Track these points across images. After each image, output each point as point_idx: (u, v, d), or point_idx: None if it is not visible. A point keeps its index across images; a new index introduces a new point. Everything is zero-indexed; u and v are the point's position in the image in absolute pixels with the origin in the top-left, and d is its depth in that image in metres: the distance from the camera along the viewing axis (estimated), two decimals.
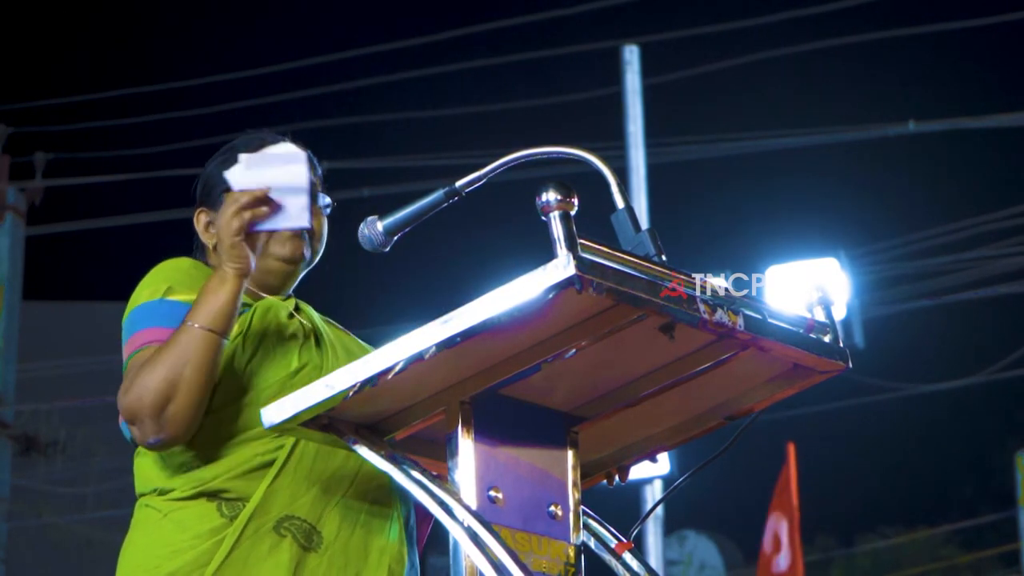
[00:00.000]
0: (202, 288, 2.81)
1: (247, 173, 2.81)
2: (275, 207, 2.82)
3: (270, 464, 2.81)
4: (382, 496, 2.87)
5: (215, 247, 2.99)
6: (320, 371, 2.82)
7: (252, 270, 2.82)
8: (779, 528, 12.05)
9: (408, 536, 2.92)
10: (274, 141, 3.01)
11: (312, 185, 2.96)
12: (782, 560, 11.99)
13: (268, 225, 2.84)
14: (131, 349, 2.84)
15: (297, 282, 3.07)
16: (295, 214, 2.83)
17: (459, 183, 2.83)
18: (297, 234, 2.98)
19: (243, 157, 2.83)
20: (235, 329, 2.84)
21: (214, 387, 2.81)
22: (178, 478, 2.83)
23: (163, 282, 2.91)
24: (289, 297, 3.02)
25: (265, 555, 2.76)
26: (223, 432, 2.83)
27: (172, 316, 2.83)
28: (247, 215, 2.79)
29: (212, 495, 2.81)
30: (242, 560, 2.75)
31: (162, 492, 2.85)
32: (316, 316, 3.02)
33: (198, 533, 2.78)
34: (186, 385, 2.74)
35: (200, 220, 3.04)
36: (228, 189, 2.91)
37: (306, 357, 2.87)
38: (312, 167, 3.04)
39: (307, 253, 3.01)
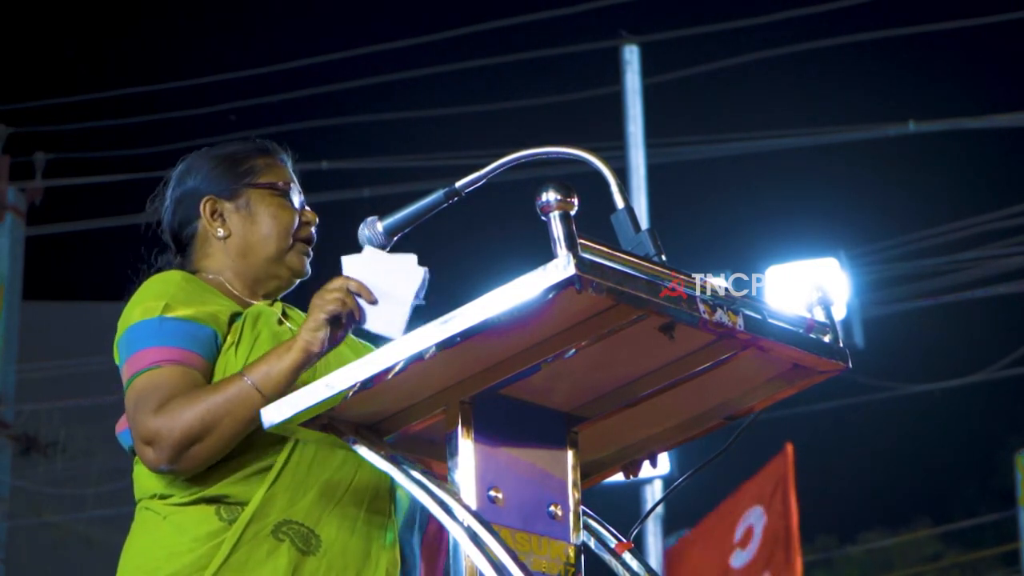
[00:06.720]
0: (273, 348, 2.77)
1: (363, 263, 2.70)
2: (370, 306, 2.71)
3: (268, 469, 2.81)
4: (379, 502, 2.88)
5: (225, 237, 3.00)
6: (312, 375, 2.78)
7: (322, 353, 2.73)
8: (755, 522, 11.94)
9: (402, 542, 2.93)
10: (263, 148, 3.09)
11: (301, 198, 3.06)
12: (747, 554, 11.85)
13: (360, 323, 2.72)
14: (136, 367, 2.80)
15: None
16: (387, 321, 2.69)
17: (459, 183, 2.83)
18: (306, 252, 3.04)
19: (367, 249, 2.72)
20: (228, 340, 2.85)
21: None
22: (177, 485, 2.83)
23: (158, 299, 2.86)
24: (276, 302, 3.02)
25: (263, 559, 2.76)
26: None
27: (175, 335, 2.82)
28: (350, 302, 2.69)
29: (211, 500, 2.81)
30: (240, 564, 2.75)
31: (162, 497, 2.84)
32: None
33: (196, 536, 2.78)
34: (218, 433, 2.73)
35: (206, 208, 3.03)
36: (250, 184, 2.99)
37: None
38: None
39: (309, 270, 3.08)
